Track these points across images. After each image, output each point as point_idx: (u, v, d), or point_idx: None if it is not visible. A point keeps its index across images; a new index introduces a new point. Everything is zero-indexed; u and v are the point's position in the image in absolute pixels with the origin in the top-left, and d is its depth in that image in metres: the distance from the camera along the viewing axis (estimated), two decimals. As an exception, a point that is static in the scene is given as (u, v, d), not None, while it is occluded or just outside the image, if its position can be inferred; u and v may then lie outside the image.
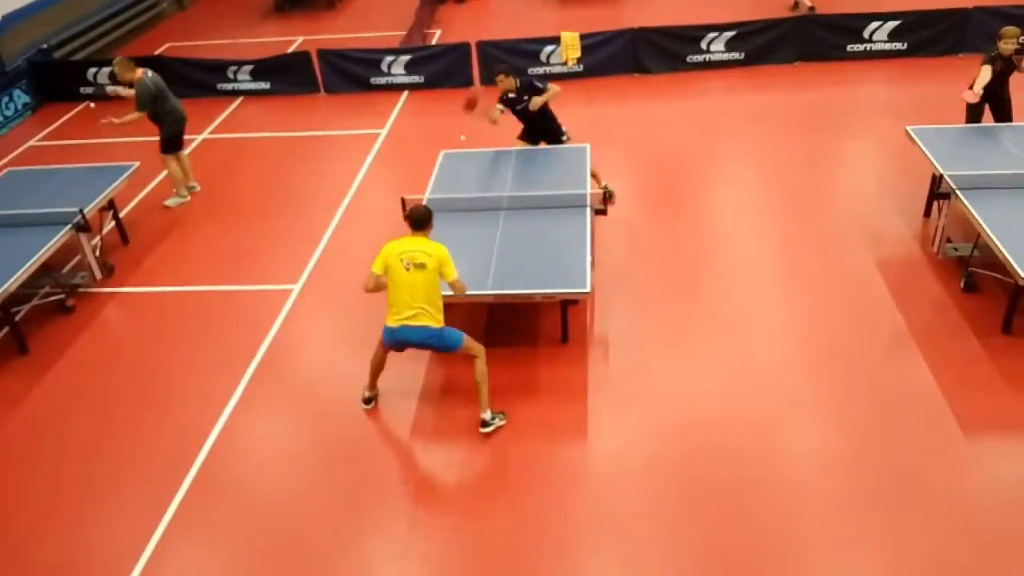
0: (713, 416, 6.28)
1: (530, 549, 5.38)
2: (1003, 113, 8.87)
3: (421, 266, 5.96)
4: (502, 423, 6.32)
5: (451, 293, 6.27)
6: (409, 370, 6.97)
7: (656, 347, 7.04)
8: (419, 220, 6.18)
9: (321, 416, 6.65)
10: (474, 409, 6.40)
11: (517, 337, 7.29)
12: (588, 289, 6.65)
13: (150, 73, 9.66)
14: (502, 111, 8.89)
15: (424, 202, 7.98)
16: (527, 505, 5.70)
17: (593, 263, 7.06)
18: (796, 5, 14.77)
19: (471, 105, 8.52)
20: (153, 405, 6.91)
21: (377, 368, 6.49)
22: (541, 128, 9.13)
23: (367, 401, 6.65)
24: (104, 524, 5.84)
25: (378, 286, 6.16)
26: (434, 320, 6.04)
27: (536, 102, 8.71)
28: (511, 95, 8.85)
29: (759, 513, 5.48)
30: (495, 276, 6.89)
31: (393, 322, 6.04)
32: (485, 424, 6.28)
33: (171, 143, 9.93)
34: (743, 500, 5.57)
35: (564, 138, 9.15)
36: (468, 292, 6.37)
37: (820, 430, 6.10)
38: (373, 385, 6.62)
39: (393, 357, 6.91)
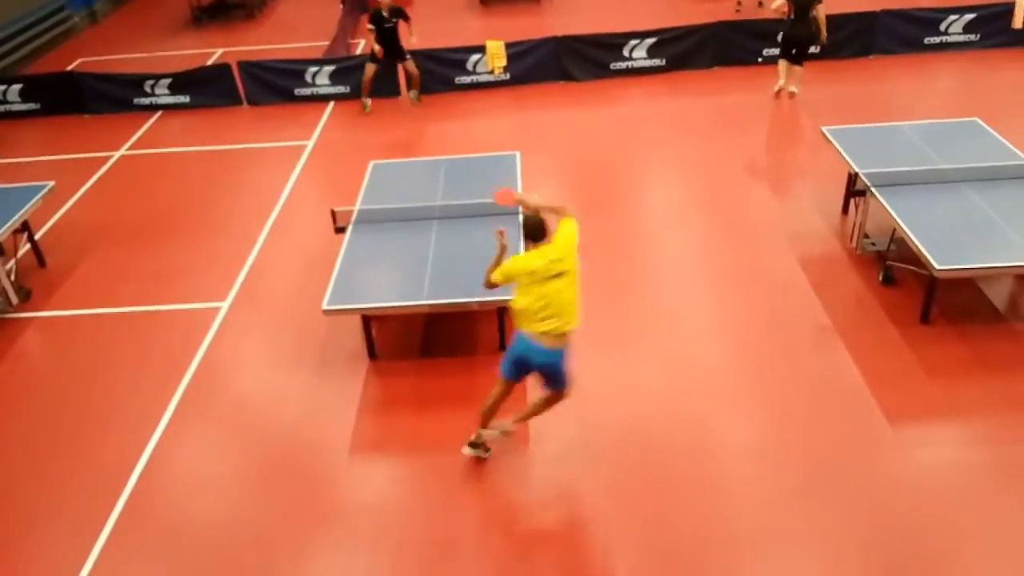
0: (647, 414, 6.39)
1: (474, 558, 5.36)
2: None
3: (562, 275, 5.43)
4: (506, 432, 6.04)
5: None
6: (348, 384, 6.88)
7: (591, 348, 7.11)
8: (535, 229, 5.56)
9: (254, 435, 6.50)
10: (413, 421, 6.35)
11: (455, 347, 7.28)
12: (523, 295, 6.67)
13: None
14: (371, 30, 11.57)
15: (354, 213, 7.91)
16: (470, 517, 5.68)
17: (527, 269, 7.09)
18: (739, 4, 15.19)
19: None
20: (79, 433, 6.65)
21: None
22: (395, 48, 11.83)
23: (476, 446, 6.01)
24: (33, 556, 5.58)
25: (506, 282, 5.62)
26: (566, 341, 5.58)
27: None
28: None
29: (694, 507, 5.59)
30: (430, 286, 6.86)
31: (535, 336, 5.48)
32: (505, 431, 5.98)
33: None
34: (679, 495, 5.68)
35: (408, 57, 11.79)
36: (403, 303, 6.23)
37: (749, 424, 6.26)
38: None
39: (327, 372, 6.83)
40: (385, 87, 12.75)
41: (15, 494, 6.11)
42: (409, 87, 12.52)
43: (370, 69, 12.10)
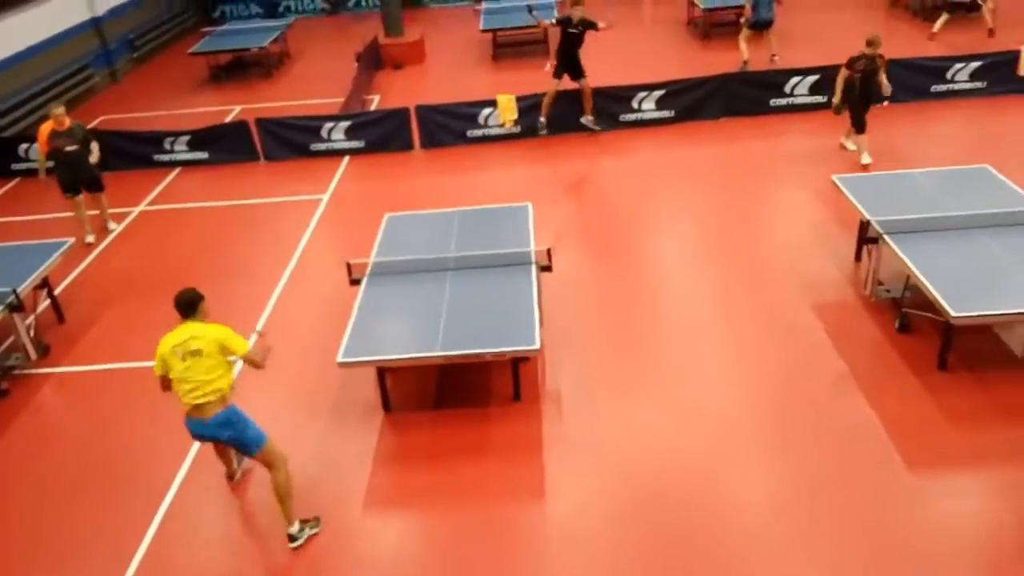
0: (664, 465, 6.33)
1: (493, 614, 5.29)
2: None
3: (196, 353, 5.53)
4: (315, 531, 5.94)
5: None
6: (363, 436, 6.87)
7: (606, 400, 7.09)
8: (184, 305, 5.69)
9: (269, 486, 6.47)
10: (428, 475, 6.32)
11: (469, 397, 7.27)
12: (538, 346, 6.69)
13: None
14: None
15: (369, 265, 7.99)
16: (490, 570, 5.61)
17: (541, 320, 7.13)
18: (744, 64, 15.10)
19: None
20: (94, 489, 6.65)
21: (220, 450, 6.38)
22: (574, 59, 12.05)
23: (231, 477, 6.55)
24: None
25: (166, 386, 5.80)
26: (220, 405, 5.66)
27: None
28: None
29: (714, 560, 5.50)
30: (444, 337, 6.88)
31: (187, 413, 5.73)
32: (293, 539, 5.82)
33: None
34: (698, 548, 5.60)
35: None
36: (417, 355, 6.25)
37: (768, 474, 6.19)
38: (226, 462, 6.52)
39: (342, 424, 6.84)
40: (399, 141, 12.97)
41: (30, 551, 6.10)
42: (582, 112, 12.58)
43: (553, 87, 12.30)
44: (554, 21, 12.77)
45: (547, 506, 6.09)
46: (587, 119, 12.68)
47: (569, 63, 12.32)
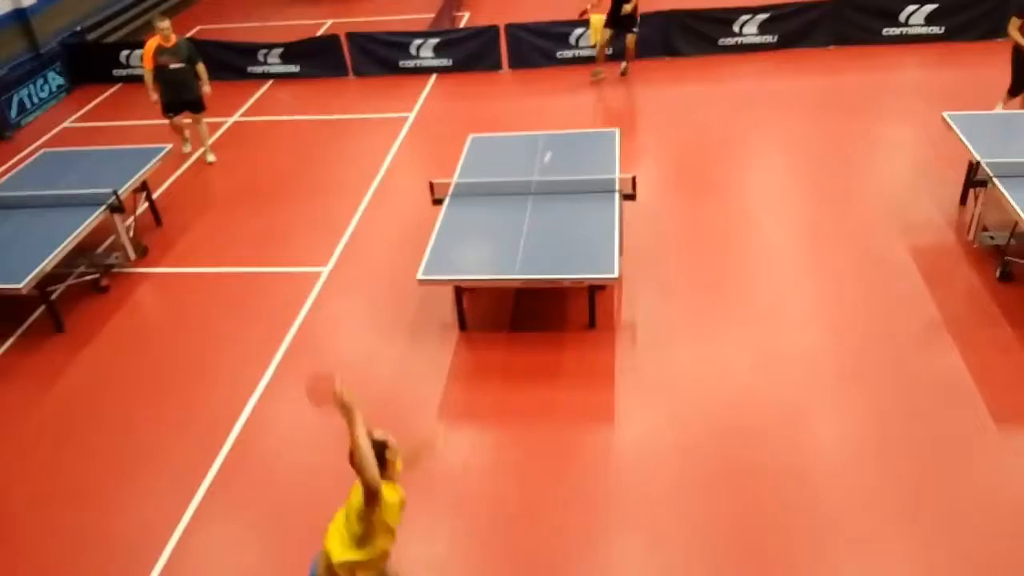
0: (740, 402, 6.26)
1: (557, 532, 5.41)
2: None
3: None
4: None
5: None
6: (439, 353, 7.02)
7: (683, 333, 7.01)
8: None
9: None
10: (500, 393, 6.41)
11: (544, 322, 7.30)
12: (616, 275, 6.64)
13: None
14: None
15: (452, 186, 7.99)
16: (554, 489, 5.73)
17: (621, 249, 7.04)
18: None
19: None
20: (185, 384, 7.03)
21: None
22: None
23: None
24: (138, 498, 5.96)
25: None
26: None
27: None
28: None
29: (784, 500, 5.46)
30: (523, 261, 6.89)
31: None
32: None
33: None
34: (768, 486, 5.56)
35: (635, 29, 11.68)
36: (495, 277, 6.19)
37: (847, 419, 6.06)
38: None
39: (419, 340, 6.97)
40: (488, 61, 12.80)
41: (123, 441, 6.52)
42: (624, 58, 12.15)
43: (605, 33, 11.84)
44: None
45: (616, 432, 6.13)
46: (621, 66, 12.20)
47: (616, 15, 11.57)
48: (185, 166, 10.76)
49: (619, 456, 5.94)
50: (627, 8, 11.37)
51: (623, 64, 12.19)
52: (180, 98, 10.31)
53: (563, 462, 5.92)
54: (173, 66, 10.05)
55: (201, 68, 10.33)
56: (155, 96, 10.24)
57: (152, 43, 10.05)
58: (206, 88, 10.38)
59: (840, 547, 5.14)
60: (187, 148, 11.01)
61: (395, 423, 6.37)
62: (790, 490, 5.52)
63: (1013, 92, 9.41)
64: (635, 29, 11.73)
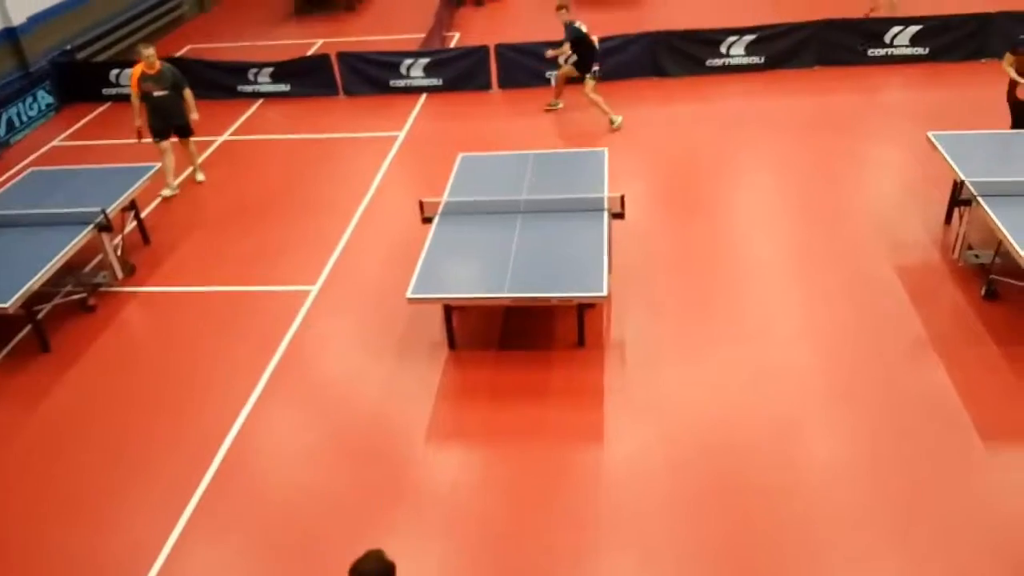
0: (730, 421, 6.27)
1: (547, 551, 5.38)
2: None
3: None
4: None
5: None
6: (428, 371, 7.00)
7: (672, 351, 7.03)
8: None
9: (336, 414, 6.69)
10: (488, 412, 6.40)
11: (533, 340, 7.30)
12: (605, 293, 6.65)
13: None
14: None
15: (441, 204, 8.01)
16: (544, 507, 5.71)
17: (610, 267, 7.06)
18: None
19: None
20: (173, 402, 6.98)
21: None
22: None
23: None
24: (126, 517, 5.90)
25: None
26: None
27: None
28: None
29: (775, 517, 5.46)
30: (512, 279, 6.90)
31: None
32: None
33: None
34: (759, 504, 5.55)
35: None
36: (485, 295, 6.24)
37: (836, 436, 6.07)
38: None
39: (408, 358, 6.94)
40: (477, 81, 12.87)
41: (110, 460, 6.46)
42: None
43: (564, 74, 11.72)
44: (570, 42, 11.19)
45: (606, 451, 6.12)
46: (555, 102, 12.02)
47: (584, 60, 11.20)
48: (175, 183, 10.73)
49: (609, 474, 5.92)
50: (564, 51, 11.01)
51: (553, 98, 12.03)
52: (167, 124, 10.28)
53: (553, 481, 5.90)
54: (157, 93, 10.01)
55: (188, 94, 10.28)
56: (138, 122, 10.17)
57: (136, 69, 10.03)
58: (194, 116, 10.34)
59: (833, 564, 5.13)
60: (166, 192, 10.46)
61: (383, 442, 6.40)
62: (781, 507, 5.52)
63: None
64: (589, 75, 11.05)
